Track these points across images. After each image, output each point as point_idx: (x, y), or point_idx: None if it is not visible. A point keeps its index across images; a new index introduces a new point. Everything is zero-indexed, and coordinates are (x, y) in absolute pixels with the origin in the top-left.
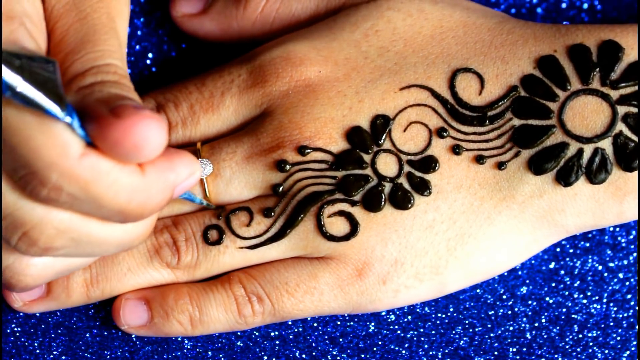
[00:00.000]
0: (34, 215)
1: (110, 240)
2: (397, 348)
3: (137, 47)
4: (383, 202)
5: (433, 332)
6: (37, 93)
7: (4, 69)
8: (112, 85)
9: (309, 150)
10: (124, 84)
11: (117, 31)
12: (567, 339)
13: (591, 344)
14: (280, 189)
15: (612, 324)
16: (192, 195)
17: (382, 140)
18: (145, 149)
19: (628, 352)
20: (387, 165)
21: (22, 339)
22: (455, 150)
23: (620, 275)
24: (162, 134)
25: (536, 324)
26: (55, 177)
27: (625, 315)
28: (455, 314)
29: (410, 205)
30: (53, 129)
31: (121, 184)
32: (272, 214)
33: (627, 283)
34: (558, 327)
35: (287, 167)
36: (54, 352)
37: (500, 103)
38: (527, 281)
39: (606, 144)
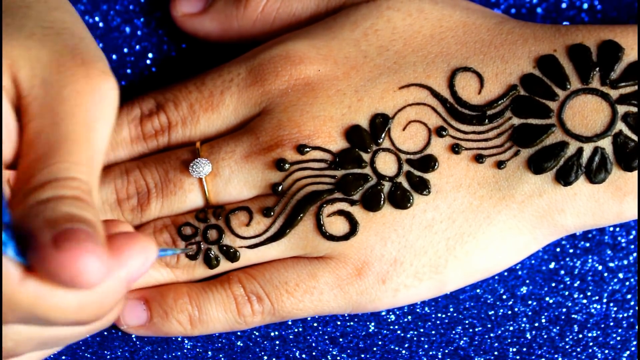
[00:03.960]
0: None
1: (79, 333)
2: (397, 348)
3: (137, 47)
4: (382, 202)
5: (433, 332)
6: None
7: None
8: (68, 202)
9: (308, 149)
10: (82, 200)
11: (91, 141)
12: (567, 339)
13: (591, 344)
14: (280, 188)
15: (612, 324)
16: (163, 251)
17: (381, 139)
18: (82, 281)
19: (628, 352)
20: (386, 164)
21: None
22: (455, 149)
23: (620, 275)
24: (102, 266)
25: (536, 324)
26: None
27: (625, 315)
28: (455, 314)
29: (409, 205)
30: None
31: (67, 304)
32: (272, 213)
33: (627, 283)
34: (558, 327)
35: (286, 166)
36: (54, 352)
37: (499, 102)
38: (527, 281)
39: (606, 143)
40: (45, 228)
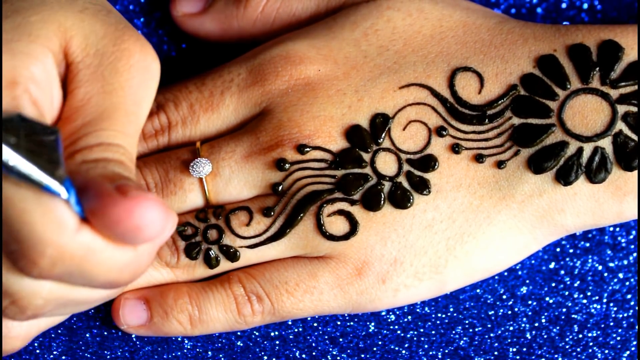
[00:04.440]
0: (23, 288)
1: (97, 299)
2: (397, 348)
3: None
4: (382, 201)
5: (433, 332)
6: (33, 168)
7: None
8: (116, 164)
9: (308, 149)
10: (128, 167)
11: (137, 117)
12: (567, 339)
13: (591, 344)
14: (280, 188)
15: (612, 324)
16: None
17: (381, 139)
18: (144, 232)
19: (628, 352)
20: (386, 164)
21: None
22: (455, 149)
23: (620, 275)
24: (162, 218)
25: (536, 324)
26: (50, 253)
27: (625, 315)
28: (455, 314)
29: (409, 205)
30: (49, 204)
31: (114, 261)
32: (272, 213)
33: (627, 283)
34: (558, 327)
35: (287, 166)
36: (54, 352)
37: (499, 102)
38: (527, 281)
39: (606, 143)
40: (103, 181)
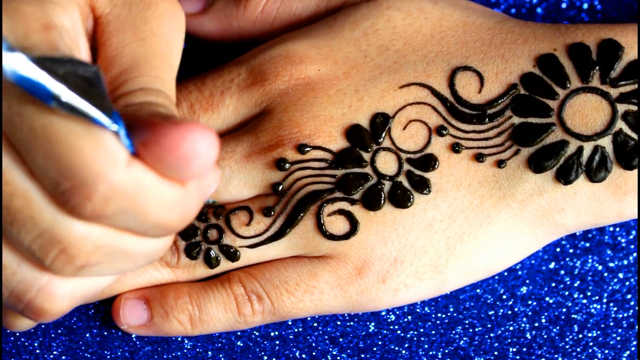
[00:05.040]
0: (73, 232)
1: (143, 253)
2: (397, 348)
3: None
4: (383, 201)
5: (433, 332)
6: (83, 102)
7: (49, 78)
8: (160, 107)
9: (308, 149)
10: (171, 110)
11: (172, 63)
12: (567, 339)
13: (591, 344)
14: (280, 187)
15: (612, 324)
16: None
17: (381, 139)
18: (195, 161)
19: (628, 352)
20: (386, 163)
21: (22, 339)
22: (455, 148)
23: (620, 275)
24: (215, 150)
25: (536, 324)
26: (102, 188)
27: (625, 315)
28: (455, 314)
29: (409, 204)
30: (100, 137)
31: (165, 198)
32: (272, 213)
33: (627, 283)
34: (558, 327)
35: (287, 165)
36: (54, 352)
37: (499, 101)
38: (527, 281)
39: (606, 142)
40: (152, 115)
